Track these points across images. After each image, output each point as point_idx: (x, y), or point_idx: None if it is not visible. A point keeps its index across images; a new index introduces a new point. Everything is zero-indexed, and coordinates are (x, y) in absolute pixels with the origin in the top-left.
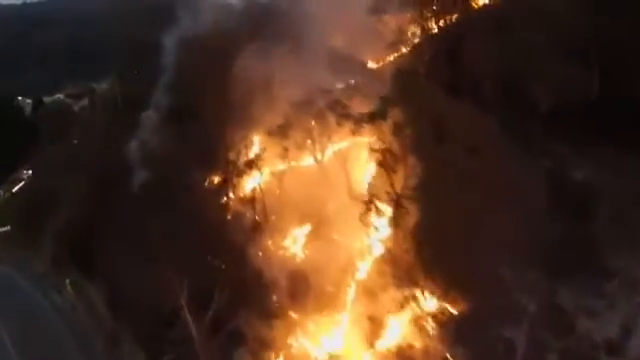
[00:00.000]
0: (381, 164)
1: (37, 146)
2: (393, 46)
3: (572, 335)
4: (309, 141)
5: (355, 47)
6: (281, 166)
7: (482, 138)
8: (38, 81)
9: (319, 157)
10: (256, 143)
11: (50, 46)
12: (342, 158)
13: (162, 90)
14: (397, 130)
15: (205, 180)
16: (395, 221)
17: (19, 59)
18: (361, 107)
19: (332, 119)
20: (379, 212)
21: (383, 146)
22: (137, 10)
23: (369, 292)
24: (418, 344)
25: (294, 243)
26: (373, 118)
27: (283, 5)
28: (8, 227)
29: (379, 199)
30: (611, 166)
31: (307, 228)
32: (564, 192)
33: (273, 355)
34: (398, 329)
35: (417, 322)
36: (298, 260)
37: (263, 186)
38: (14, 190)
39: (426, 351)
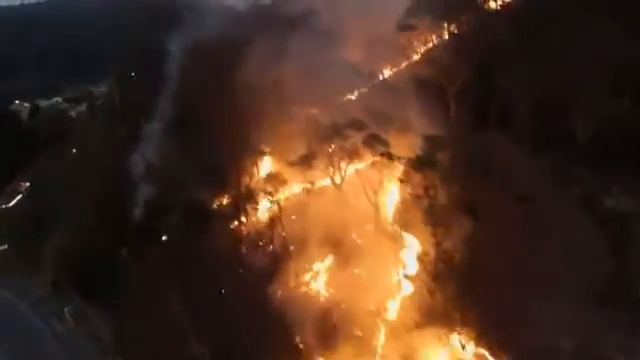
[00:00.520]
0: (417, 197)
1: (35, 155)
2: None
3: None
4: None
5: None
6: (297, 188)
7: (533, 185)
8: (35, 83)
9: (337, 180)
10: (268, 161)
11: (48, 48)
12: (363, 181)
13: (166, 99)
14: (446, 178)
15: (213, 202)
16: (426, 258)
17: (16, 61)
18: (400, 143)
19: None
20: (407, 246)
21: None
22: (138, 12)
23: (400, 335)
24: None
25: (316, 279)
26: (422, 165)
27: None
28: (5, 246)
29: (408, 230)
30: None
31: (329, 260)
32: (602, 224)
33: None
34: None
35: None
36: (322, 299)
37: (278, 211)
38: (11, 204)
39: None
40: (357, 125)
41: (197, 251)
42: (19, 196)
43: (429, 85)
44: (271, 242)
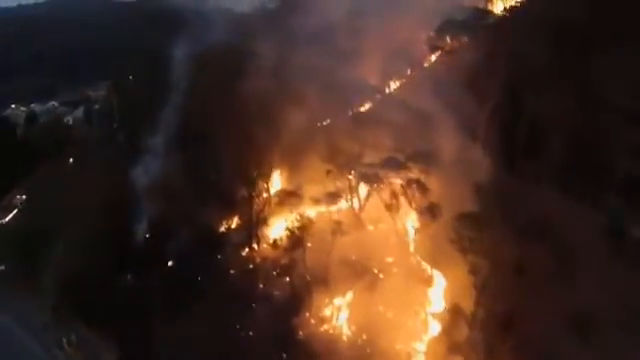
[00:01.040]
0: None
1: (31, 166)
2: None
3: None
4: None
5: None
6: (314, 213)
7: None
8: (32, 86)
9: (356, 204)
10: (282, 182)
11: (45, 49)
12: (388, 212)
13: (170, 110)
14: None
15: (223, 225)
16: (457, 297)
17: (13, 62)
18: (430, 178)
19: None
20: (435, 283)
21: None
22: (140, 16)
23: None
24: None
25: (337, 316)
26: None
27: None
28: (2, 267)
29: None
30: None
31: (349, 296)
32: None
33: None
34: None
35: None
36: (345, 340)
37: (293, 238)
38: (6, 219)
39: None
40: (381, 151)
41: (205, 280)
42: (15, 210)
43: (453, 108)
44: (286, 272)
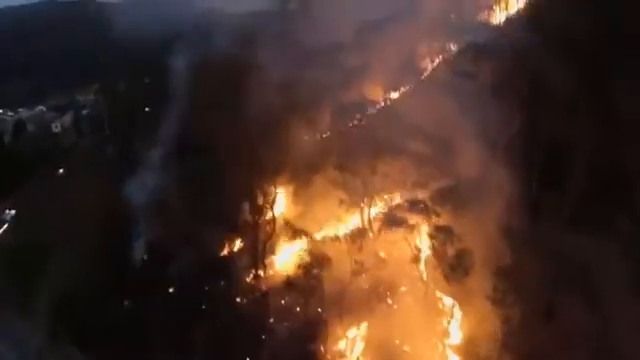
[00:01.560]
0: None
1: (19, 178)
2: None
3: None
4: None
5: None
6: (321, 240)
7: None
8: (20, 88)
9: (367, 223)
10: (291, 205)
11: (34, 51)
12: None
13: (169, 121)
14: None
15: (227, 249)
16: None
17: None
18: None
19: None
20: (454, 316)
21: None
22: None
23: None
24: None
25: (351, 350)
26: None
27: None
28: None
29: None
30: None
31: (364, 327)
32: None
33: None
34: None
35: None
36: None
37: (303, 265)
38: None
39: None
40: (400, 184)
41: (209, 307)
42: (5, 226)
43: (476, 136)
44: (296, 302)
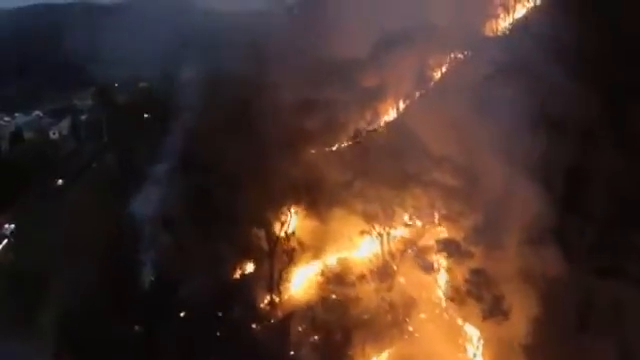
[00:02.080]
0: None
1: (18, 189)
2: None
3: None
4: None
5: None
6: (332, 258)
7: None
8: (16, 93)
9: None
10: (305, 226)
11: (30, 55)
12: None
13: (175, 134)
14: None
15: (240, 272)
16: None
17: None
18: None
19: None
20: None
21: None
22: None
23: None
24: None
25: None
26: None
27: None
28: None
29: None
30: None
31: (385, 356)
32: None
33: None
34: None
35: None
36: None
37: (319, 290)
38: None
39: None
40: (429, 221)
41: (223, 334)
42: (5, 241)
43: (504, 166)
44: (312, 329)
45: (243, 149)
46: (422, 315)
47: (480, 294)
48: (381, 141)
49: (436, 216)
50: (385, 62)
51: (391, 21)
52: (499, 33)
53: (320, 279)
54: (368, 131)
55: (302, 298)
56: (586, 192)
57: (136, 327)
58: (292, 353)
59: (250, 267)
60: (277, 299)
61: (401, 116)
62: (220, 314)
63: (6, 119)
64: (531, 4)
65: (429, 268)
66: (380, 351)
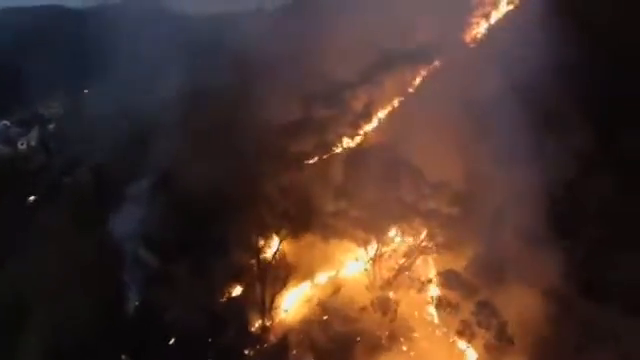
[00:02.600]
0: None
1: None
2: None
3: None
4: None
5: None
6: (322, 277)
7: None
8: None
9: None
10: (295, 249)
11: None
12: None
13: (157, 151)
14: None
15: (229, 296)
16: None
17: None
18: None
19: None
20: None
21: None
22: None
23: None
24: None
25: None
26: None
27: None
28: None
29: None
30: None
31: None
32: None
33: None
34: None
35: None
36: None
37: (310, 314)
38: None
39: None
40: (432, 250)
41: None
42: None
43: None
44: (305, 353)
45: (228, 167)
46: (416, 334)
47: (489, 323)
48: (372, 162)
49: (428, 240)
50: (374, 81)
51: (381, 39)
52: (488, 49)
53: (312, 302)
54: (359, 152)
55: (294, 320)
56: (582, 214)
57: (123, 357)
58: None
59: (239, 289)
60: (269, 324)
61: (392, 136)
62: (210, 339)
63: None
64: (517, 17)
65: (423, 290)
66: None
